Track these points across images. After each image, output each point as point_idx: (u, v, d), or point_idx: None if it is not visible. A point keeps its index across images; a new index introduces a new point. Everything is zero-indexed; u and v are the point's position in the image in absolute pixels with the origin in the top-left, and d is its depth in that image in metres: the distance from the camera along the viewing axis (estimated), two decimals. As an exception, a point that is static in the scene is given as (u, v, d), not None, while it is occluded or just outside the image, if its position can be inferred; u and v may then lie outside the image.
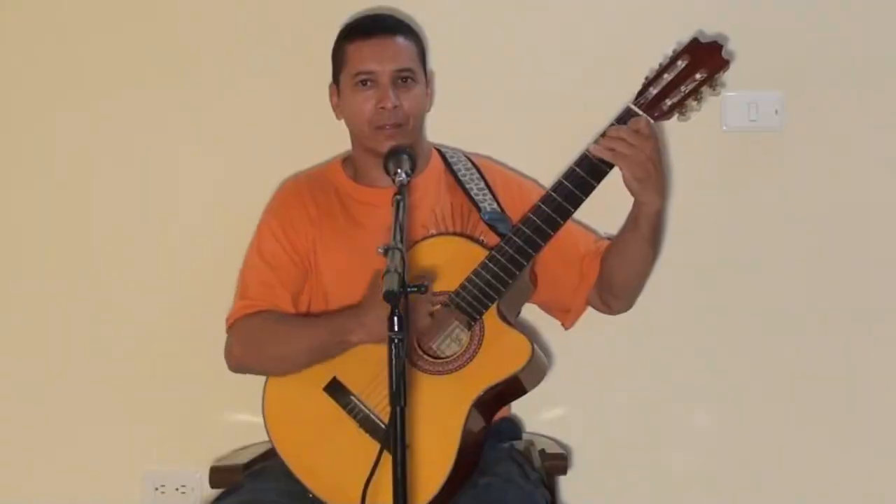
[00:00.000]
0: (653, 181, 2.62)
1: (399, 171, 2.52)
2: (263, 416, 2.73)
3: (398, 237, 2.29)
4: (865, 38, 3.03)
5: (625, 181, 2.61)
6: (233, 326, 2.80)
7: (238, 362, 2.80)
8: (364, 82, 2.75)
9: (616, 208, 2.74)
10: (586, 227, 2.91)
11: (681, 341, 3.07)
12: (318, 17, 2.99)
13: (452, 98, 2.96)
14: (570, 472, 2.88)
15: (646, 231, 2.69)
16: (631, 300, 2.88)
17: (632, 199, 2.66)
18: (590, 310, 2.91)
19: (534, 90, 3.03)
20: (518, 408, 2.95)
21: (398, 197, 2.40)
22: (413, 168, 2.59)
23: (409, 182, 2.50)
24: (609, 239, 2.88)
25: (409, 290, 2.21)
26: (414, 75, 2.78)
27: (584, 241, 2.87)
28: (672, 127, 2.88)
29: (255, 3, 3.09)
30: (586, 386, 3.09)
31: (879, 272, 3.05)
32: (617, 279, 2.81)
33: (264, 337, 2.76)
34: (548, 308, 2.93)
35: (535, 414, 3.04)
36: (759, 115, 3.02)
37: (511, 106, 3.04)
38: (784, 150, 3.04)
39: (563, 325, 2.91)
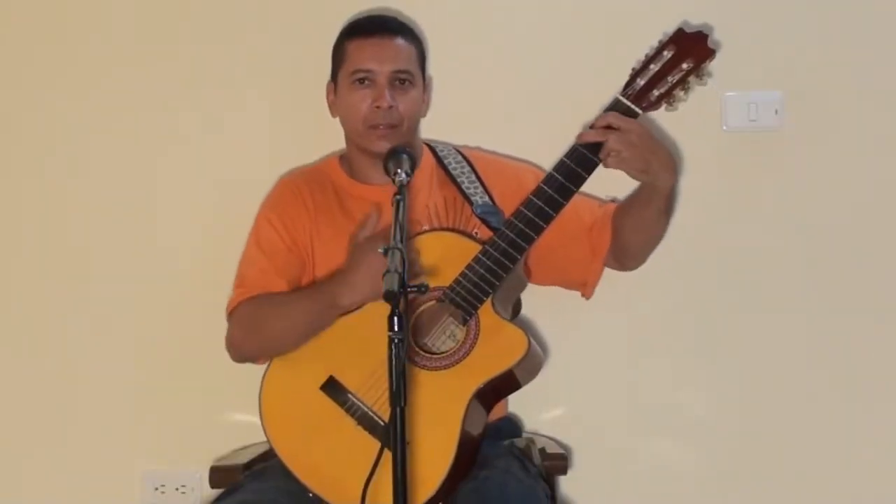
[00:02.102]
0: (654, 166, 2.64)
1: (399, 171, 2.52)
2: (261, 417, 2.72)
3: (398, 237, 2.29)
4: (865, 38, 3.03)
5: (630, 176, 2.64)
6: (231, 315, 2.80)
7: (239, 349, 2.79)
8: (361, 80, 2.76)
9: (620, 182, 2.77)
10: (587, 194, 2.87)
11: (681, 340, 3.07)
12: (317, 16, 3.01)
13: (448, 98, 2.97)
14: (570, 472, 2.87)
15: (661, 204, 2.72)
16: (646, 258, 2.88)
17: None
18: (591, 309, 2.91)
19: (527, 86, 3.04)
20: (518, 407, 2.95)
21: (398, 197, 2.41)
22: (413, 168, 2.59)
23: (408, 182, 2.50)
24: (614, 201, 2.89)
25: (409, 289, 2.21)
26: (412, 78, 2.78)
27: (587, 210, 2.86)
28: (672, 127, 2.92)
29: (254, 3, 3.10)
30: (586, 385, 3.08)
31: (878, 271, 3.05)
32: (634, 245, 2.83)
33: (260, 317, 2.75)
34: (565, 284, 2.92)
35: (535, 413, 3.04)
36: (759, 115, 3.02)
37: (504, 102, 3.04)
38: (784, 150, 3.04)
39: (583, 295, 2.91)
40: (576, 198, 2.72)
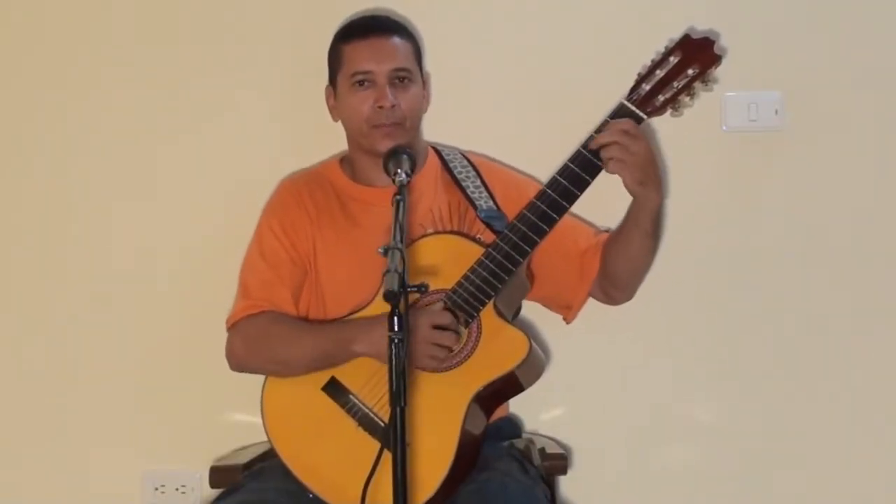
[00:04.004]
0: (652, 180, 2.64)
1: (399, 171, 2.52)
2: (262, 418, 2.73)
3: (398, 237, 2.29)
4: (865, 38, 3.03)
5: (626, 186, 2.63)
6: (234, 326, 2.80)
7: (240, 363, 2.80)
8: (361, 82, 2.76)
9: (614, 203, 2.76)
10: (584, 220, 2.91)
11: (681, 341, 3.07)
12: (315, 18, 2.99)
13: (449, 98, 2.97)
14: (570, 472, 2.87)
15: (648, 226, 2.71)
16: (633, 291, 2.89)
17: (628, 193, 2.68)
18: (590, 309, 2.90)
19: (529, 88, 3.04)
20: (518, 407, 2.94)
21: (398, 197, 2.41)
22: (413, 168, 2.59)
23: (408, 182, 2.50)
24: (608, 231, 2.89)
25: (409, 289, 2.20)
26: (411, 75, 2.78)
27: (583, 235, 2.87)
28: (672, 127, 2.89)
29: (253, 4, 3.10)
30: (586, 386, 3.08)
31: (879, 271, 3.05)
32: (621, 273, 2.82)
33: (269, 339, 2.76)
34: (548, 303, 2.93)
35: (535, 414, 3.04)
36: (759, 115, 3.03)
37: (506, 104, 3.05)
38: (784, 150, 3.04)
39: (564, 319, 2.92)
40: (573, 222, 2.77)
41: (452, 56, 3.02)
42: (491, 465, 2.67)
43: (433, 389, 2.63)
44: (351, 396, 2.67)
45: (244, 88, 3.09)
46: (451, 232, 2.78)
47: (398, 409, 2.20)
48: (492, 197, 2.83)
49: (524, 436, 2.96)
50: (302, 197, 2.85)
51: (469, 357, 2.66)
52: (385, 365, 2.51)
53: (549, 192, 2.64)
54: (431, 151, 2.90)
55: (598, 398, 3.09)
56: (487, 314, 2.66)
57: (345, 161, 2.91)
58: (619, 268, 2.82)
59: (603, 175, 2.62)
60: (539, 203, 2.64)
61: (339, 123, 2.85)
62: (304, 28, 3.05)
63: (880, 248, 3.05)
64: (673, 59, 2.60)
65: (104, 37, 3.12)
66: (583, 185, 2.62)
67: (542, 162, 2.89)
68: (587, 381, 3.08)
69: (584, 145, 2.63)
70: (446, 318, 2.62)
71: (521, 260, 2.65)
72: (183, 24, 3.11)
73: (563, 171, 2.64)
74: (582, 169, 2.62)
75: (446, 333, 2.60)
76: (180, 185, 3.12)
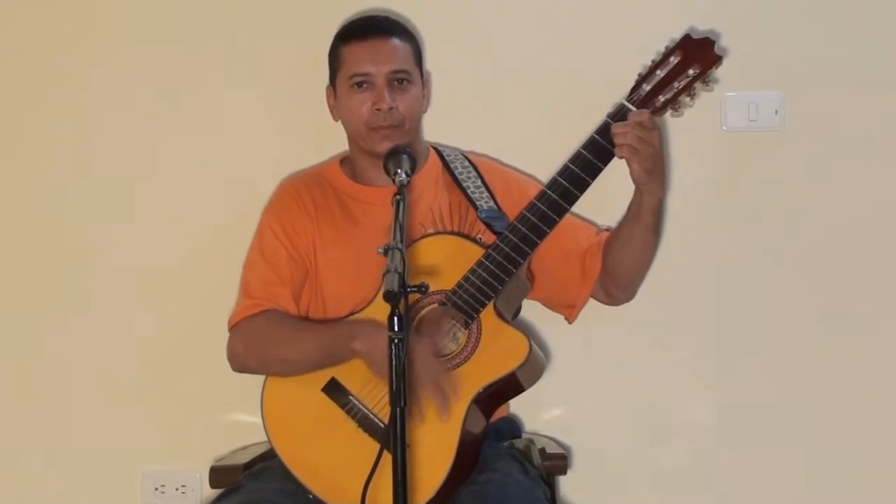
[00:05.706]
0: (659, 172, 2.65)
1: (399, 171, 2.52)
2: (262, 418, 2.73)
3: (398, 237, 2.29)
4: (865, 38, 3.03)
5: (633, 174, 2.63)
6: (236, 326, 2.80)
7: (242, 363, 2.80)
8: (360, 84, 2.76)
9: (614, 204, 2.78)
10: (585, 219, 2.91)
11: (681, 340, 3.07)
12: (316, 18, 3.00)
13: (449, 98, 2.97)
14: (570, 472, 2.88)
15: (650, 220, 2.72)
16: (634, 290, 2.89)
17: (628, 193, 2.69)
18: (591, 309, 2.90)
19: (529, 88, 3.04)
20: (518, 407, 2.94)
21: (398, 197, 2.41)
22: (413, 168, 2.59)
23: (408, 182, 2.50)
24: (608, 230, 2.89)
25: (409, 290, 2.20)
26: (409, 76, 2.78)
27: (584, 234, 2.88)
28: (672, 127, 2.91)
29: (253, 4, 3.10)
30: (586, 386, 3.08)
31: (879, 271, 3.05)
32: (622, 270, 2.83)
33: (268, 339, 2.76)
34: (550, 303, 2.93)
35: (535, 413, 3.04)
36: (759, 115, 3.03)
37: (506, 104, 3.05)
38: (784, 150, 3.04)
39: (566, 319, 2.92)
40: (575, 221, 2.78)
41: (452, 56, 3.02)
42: (491, 466, 2.68)
43: (434, 391, 2.64)
44: (351, 397, 2.67)
45: (244, 89, 3.09)
46: (452, 232, 2.78)
47: (398, 410, 2.20)
48: (492, 197, 2.83)
49: (524, 436, 2.97)
50: (302, 197, 2.86)
51: (469, 358, 2.66)
52: (376, 373, 2.54)
53: (549, 192, 2.64)
54: (432, 151, 2.90)
55: (598, 398, 3.09)
56: (487, 315, 2.66)
57: (345, 161, 2.91)
58: (621, 264, 2.82)
59: (603, 175, 2.62)
60: (539, 204, 2.64)
61: (339, 123, 2.85)
62: (304, 28, 3.05)
63: (880, 248, 3.05)
64: (673, 60, 2.60)
65: (104, 37, 3.13)
66: (583, 186, 2.62)
67: (543, 162, 2.90)
68: (587, 381, 3.08)
69: (585, 146, 2.63)
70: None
71: (522, 261, 2.65)
72: (183, 24, 3.11)
73: (563, 171, 2.64)
74: (582, 169, 2.61)
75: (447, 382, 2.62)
76: (180, 186, 3.12)
